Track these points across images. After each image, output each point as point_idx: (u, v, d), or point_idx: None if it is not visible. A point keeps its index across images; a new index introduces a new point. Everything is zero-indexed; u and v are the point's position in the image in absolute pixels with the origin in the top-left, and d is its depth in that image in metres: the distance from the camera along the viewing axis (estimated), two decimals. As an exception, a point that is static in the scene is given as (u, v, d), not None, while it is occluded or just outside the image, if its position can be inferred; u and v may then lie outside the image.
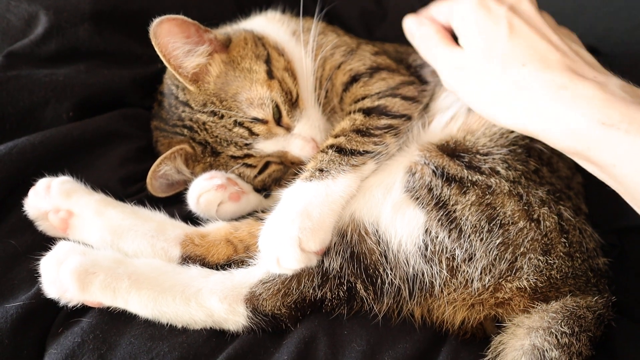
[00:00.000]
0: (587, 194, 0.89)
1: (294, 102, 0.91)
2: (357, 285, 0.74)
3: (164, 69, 0.99)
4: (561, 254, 0.76)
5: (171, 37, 0.83)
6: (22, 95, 0.89)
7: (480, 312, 0.75)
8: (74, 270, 0.69)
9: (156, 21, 0.81)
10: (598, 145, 0.62)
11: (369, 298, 0.74)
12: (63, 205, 0.79)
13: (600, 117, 0.62)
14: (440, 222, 0.74)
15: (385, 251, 0.74)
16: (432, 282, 0.73)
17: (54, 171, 0.83)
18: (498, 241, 0.73)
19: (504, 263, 0.73)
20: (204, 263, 0.79)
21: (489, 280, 0.73)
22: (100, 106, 0.97)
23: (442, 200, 0.75)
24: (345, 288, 0.73)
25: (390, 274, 0.73)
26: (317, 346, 0.71)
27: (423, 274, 0.73)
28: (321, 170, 0.77)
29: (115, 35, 1.01)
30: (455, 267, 0.73)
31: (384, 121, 0.84)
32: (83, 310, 0.72)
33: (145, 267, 0.74)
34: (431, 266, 0.73)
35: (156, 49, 0.83)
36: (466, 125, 0.84)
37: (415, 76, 0.96)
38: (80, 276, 0.69)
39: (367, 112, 0.86)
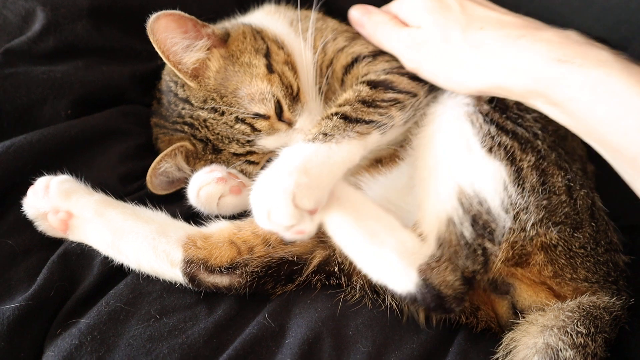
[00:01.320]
0: (598, 188, 0.87)
1: (295, 96, 0.89)
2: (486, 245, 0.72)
3: (163, 65, 0.98)
4: (587, 234, 0.75)
5: (169, 33, 0.82)
6: (19, 93, 0.88)
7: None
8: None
9: (153, 17, 0.80)
10: (556, 82, 0.66)
11: (495, 253, 0.72)
12: (62, 206, 0.77)
13: (556, 55, 0.66)
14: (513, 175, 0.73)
15: (488, 209, 0.72)
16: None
17: (53, 169, 0.81)
18: (544, 203, 0.73)
19: (543, 224, 0.73)
20: (207, 266, 0.76)
21: (530, 232, 0.73)
22: (99, 103, 0.96)
23: (509, 151, 0.74)
24: (480, 252, 0.72)
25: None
26: (322, 347, 0.69)
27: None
28: (325, 134, 0.73)
29: (114, 31, 1.00)
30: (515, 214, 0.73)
31: (390, 95, 0.82)
32: (81, 310, 0.71)
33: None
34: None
35: (154, 45, 0.81)
36: None
37: None
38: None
39: (374, 85, 0.83)
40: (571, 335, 0.65)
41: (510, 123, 0.77)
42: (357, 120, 0.76)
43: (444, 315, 0.75)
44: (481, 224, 0.72)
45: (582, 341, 0.65)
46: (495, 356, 0.70)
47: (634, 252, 0.85)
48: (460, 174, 0.74)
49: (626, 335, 0.74)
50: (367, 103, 0.80)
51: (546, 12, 1.23)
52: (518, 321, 0.72)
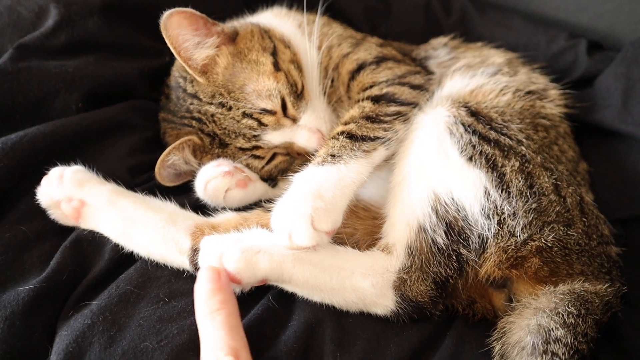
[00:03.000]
0: (592, 182, 0.90)
1: (299, 94, 0.92)
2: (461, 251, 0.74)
3: (172, 61, 1.00)
4: (580, 230, 0.77)
5: (181, 30, 0.85)
6: (32, 86, 0.90)
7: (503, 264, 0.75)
8: (241, 257, 0.70)
9: (166, 14, 0.82)
10: None
11: (471, 258, 0.74)
12: (75, 194, 0.80)
13: None
14: (493, 181, 0.75)
15: (465, 216, 0.74)
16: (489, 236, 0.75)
17: (64, 160, 0.84)
18: (534, 206, 0.75)
19: (535, 227, 0.74)
20: None
21: (521, 236, 0.74)
22: (109, 98, 0.99)
23: (490, 158, 0.76)
24: (454, 259, 0.74)
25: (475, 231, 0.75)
26: (324, 331, 0.71)
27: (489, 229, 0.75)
28: (333, 156, 0.78)
29: (124, 28, 1.02)
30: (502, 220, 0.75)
31: (393, 108, 0.85)
32: (92, 294, 0.73)
33: None
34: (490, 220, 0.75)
35: (167, 41, 0.84)
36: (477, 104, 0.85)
37: (421, 67, 0.97)
38: (247, 259, 0.70)
39: (376, 99, 0.87)
40: (562, 315, 0.68)
41: (494, 132, 0.79)
42: (363, 138, 0.80)
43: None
44: (456, 230, 0.74)
45: (573, 321, 0.67)
46: (492, 338, 0.72)
47: (628, 244, 0.88)
48: (437, 182, 0.76)
49: (619, 323, 0.77)
50: (371, 119, 0.83)
51: (543, 14, 1.27)
52: (513, 304, 0.74)
